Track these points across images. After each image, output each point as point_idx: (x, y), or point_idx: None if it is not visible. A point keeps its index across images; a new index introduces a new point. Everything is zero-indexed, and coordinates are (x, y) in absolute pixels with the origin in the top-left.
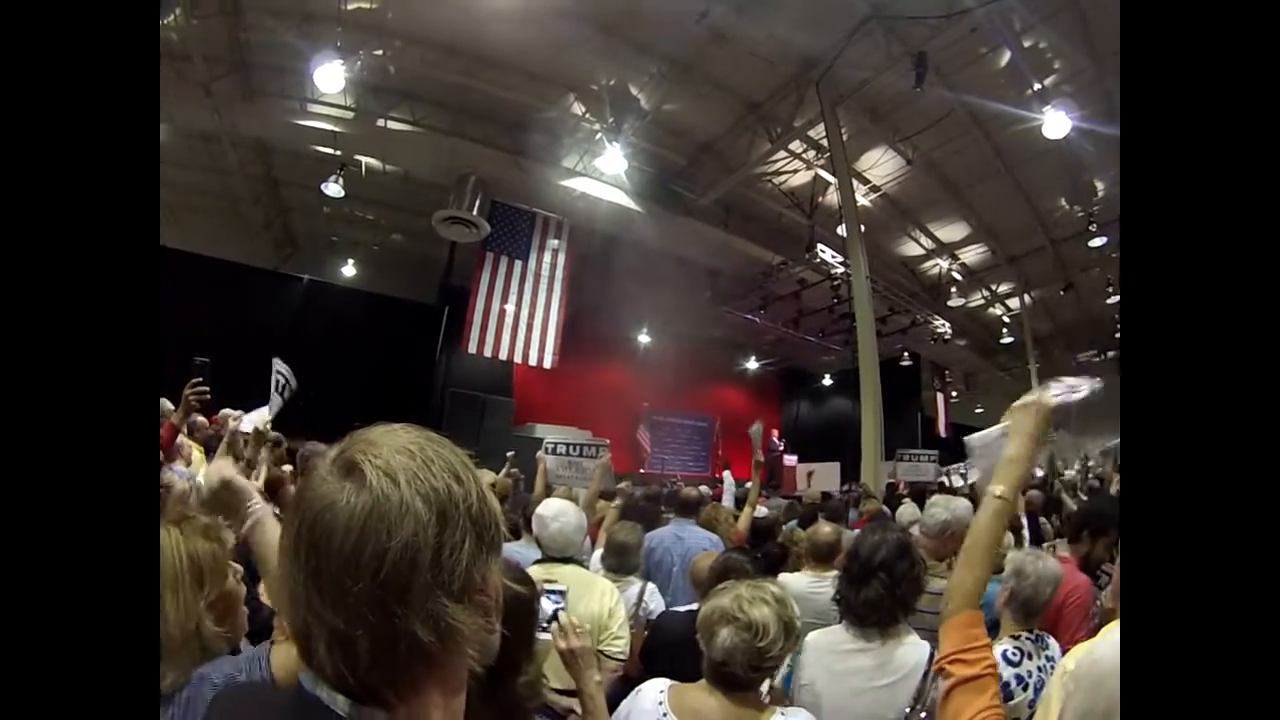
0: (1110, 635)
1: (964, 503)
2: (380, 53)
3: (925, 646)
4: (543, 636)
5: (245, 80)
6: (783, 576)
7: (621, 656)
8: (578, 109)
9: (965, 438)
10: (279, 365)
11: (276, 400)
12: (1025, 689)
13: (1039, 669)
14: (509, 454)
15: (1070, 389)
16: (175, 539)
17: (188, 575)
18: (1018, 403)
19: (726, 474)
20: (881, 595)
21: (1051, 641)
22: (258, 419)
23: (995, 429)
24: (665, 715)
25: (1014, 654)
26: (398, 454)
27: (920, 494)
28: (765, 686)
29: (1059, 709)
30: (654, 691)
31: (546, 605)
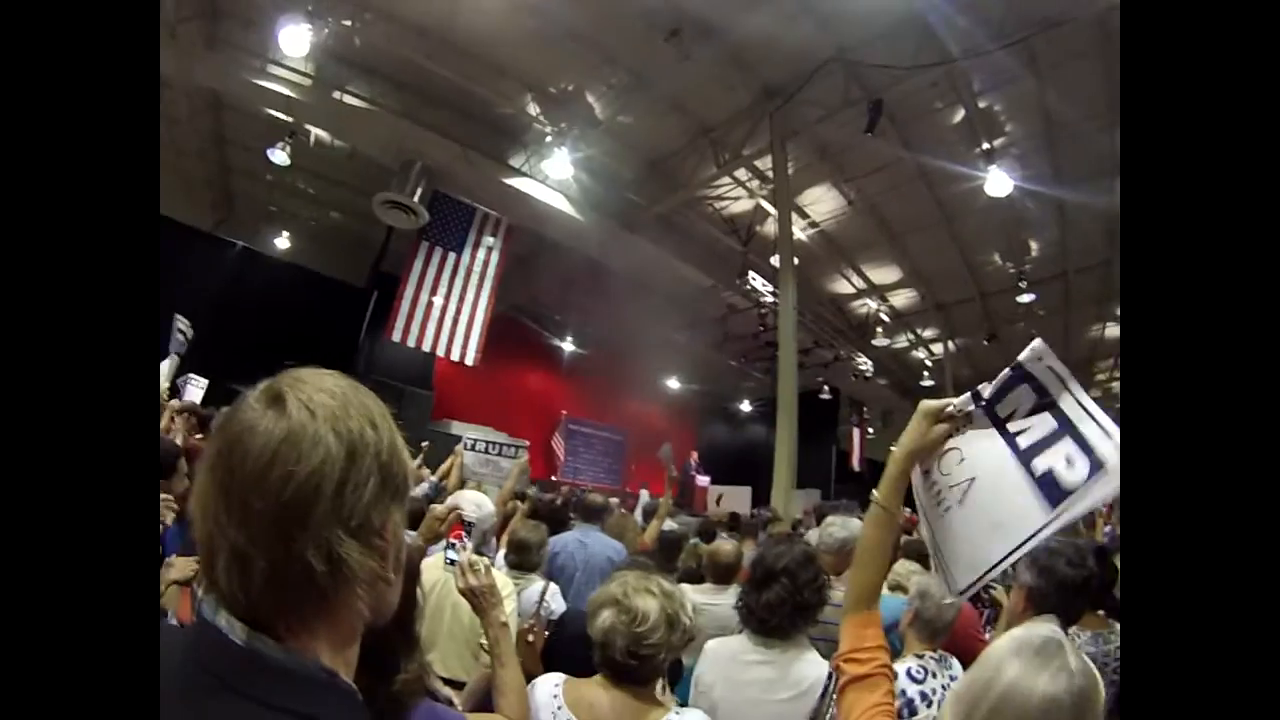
0: (1011, 633)
1: (858, 523)
2: (349, 23)
3: (824, 665)
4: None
5: (212, 29)
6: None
7: None
8: (533, 109)
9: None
10: (180, 322)
11: (174, 358)
12: (930, 705)
13: (943, 687)
14: (424, 444)
15: (969, 400)
16: None
17: None
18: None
19: (643, 491)
20: (783, 599)
21: (954, 661)
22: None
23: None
24: (560, 709)
25: (918, 671)
26: (321, 392)
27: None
28: (660, 685)
29: None
30: (549, 685)
31: (450, 554)
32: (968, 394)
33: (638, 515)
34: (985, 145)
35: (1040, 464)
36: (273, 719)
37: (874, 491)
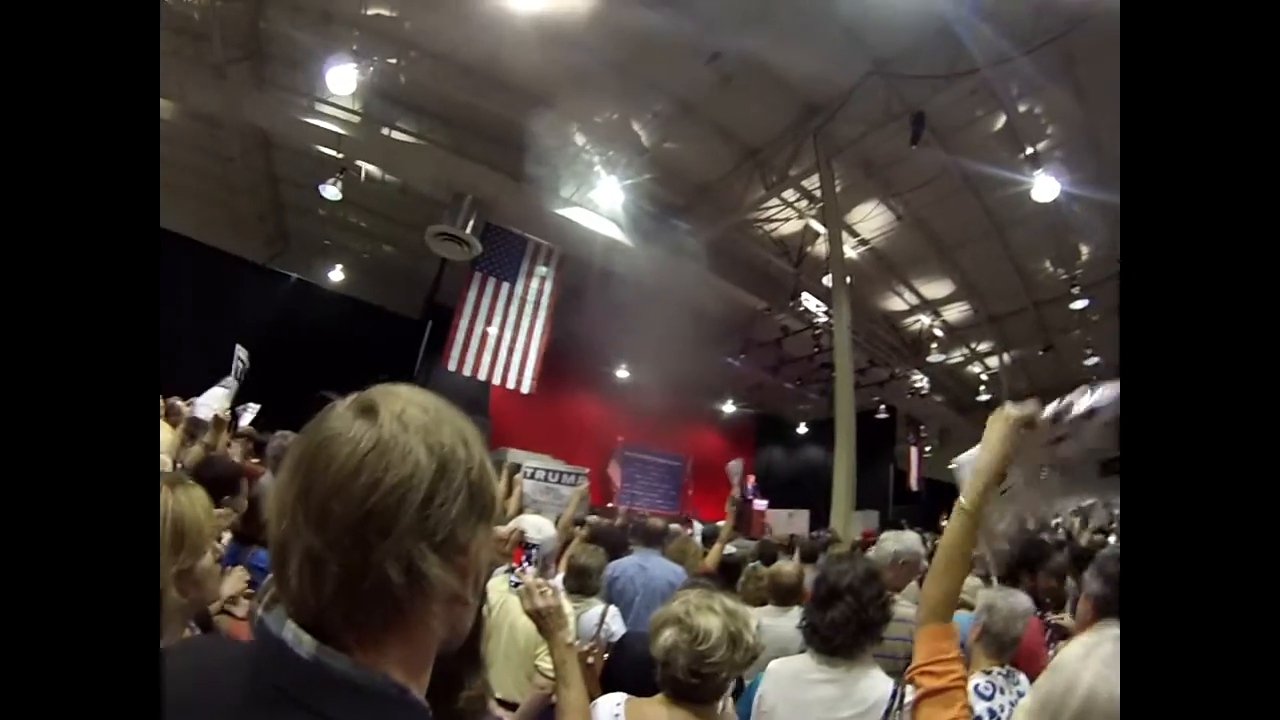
0: (1081, 639)
1: (912, 535)
2: (394, 61)
3: (889, 683)
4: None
5: (259, 69)
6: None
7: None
8: (579, 139)
9: (956, 458)
10: (240, 352)
11: (233, 383)
12: None
13: (1011, 703)
14: (504, 464)
15: (1066, 404)
16: (164, 496)
17: (168, 535)
18: (994, 414)
19: (696, 523)
20: (848, 617)
21: (1022, 677)
22: (214, 404)
23: (977, 447)
24: None
25: (986, 688)
26: (414, 406)
27: None
28: (720, 705)
29: None
30: (610, 705)
31: (514, 577)
32: (1056, 407)
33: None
34: (1029, 150)
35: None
36: None
37: (960, 499)
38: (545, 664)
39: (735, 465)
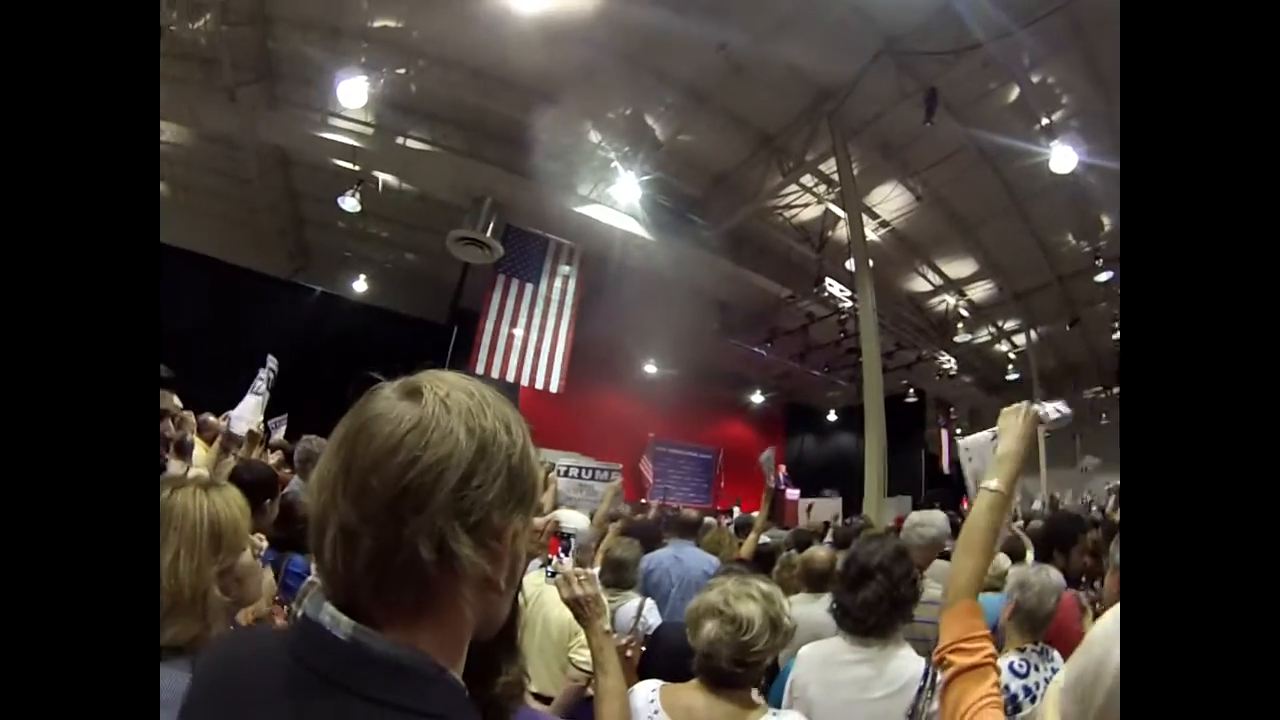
0: (1112, 610)
1: (940, 514)
2: (404, 71)
3: (921, 662)
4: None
5: (270, 89)
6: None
7: (587, 667)
8: (594, 136)
9: (959, 440)
10: (270, 361)
11: (264, 393)
12: (1033, 700)
13: (1045, 680)
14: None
15: (1057, 409)
16: (200, 499)
17: (205, 537)
18: (1007, 409)
19: (735, 509)
20: (880, 596)
21: (1055, 654)
22: (249, 416)
23: (986, 433)
24: (656, 713)
25: (1021, 666)
26: (458, 390)
27: None
28: (754, 693)
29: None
30: (646, 691)
31: (550, 567)
32: (1048, 407)
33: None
34: (1044, 120)
35: None
36: (376, 712)
37: (990, 481)
38: (579, 656)
39: (768, 456)
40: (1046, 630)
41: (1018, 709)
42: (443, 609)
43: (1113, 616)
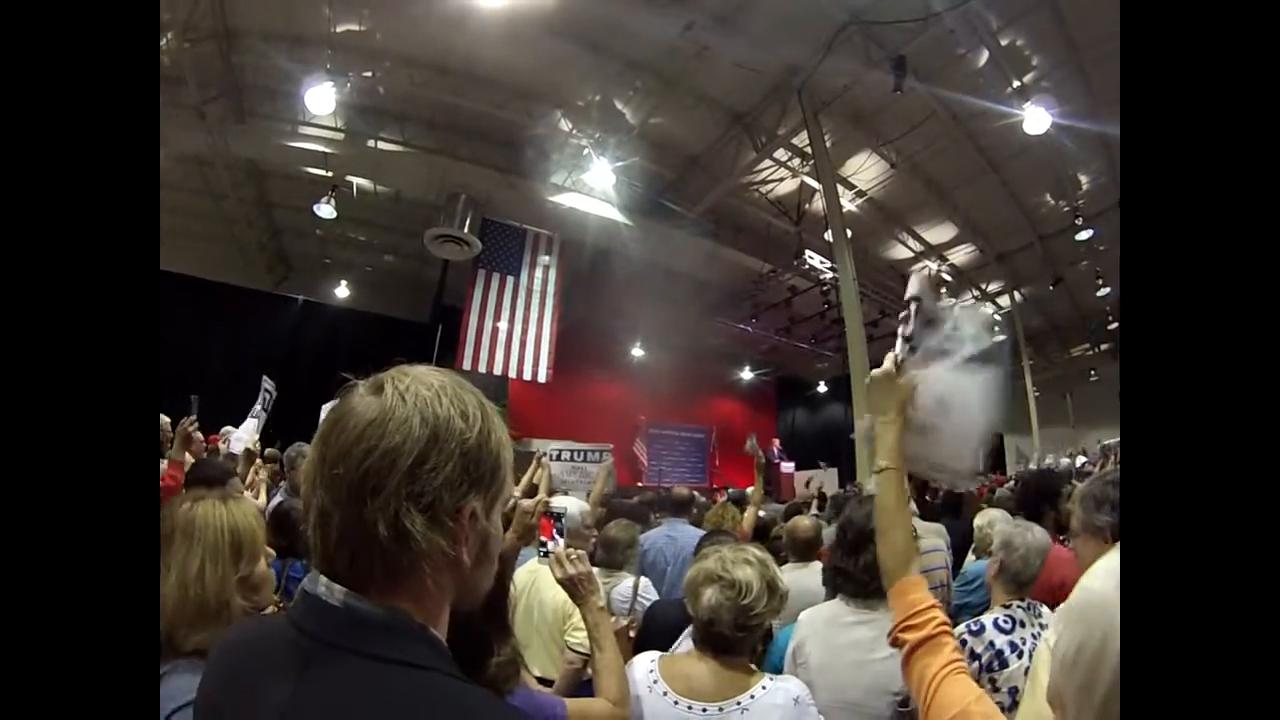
0: (1100, 565)
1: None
2: (370, 74)
3: None
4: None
5: (238, 103)
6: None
7: (582, 649)
8: (565, 125)
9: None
10: (267, 383)
11: (261, 415)
12: (1020, 656)
13: (1033, 636)
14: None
15: (905, 348)
16: (219, 511)
17: (227, 547)
18: (867, 381)
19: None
20: None
21: (1044, 609)
22: (246, 438)
23: (867, 419)
24: (656, 682)
25: (1005, 622)
26: (419, 384)
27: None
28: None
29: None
30: (645, 662)
31: (543, 548)
32: (900, 342)
33: None
34: (1016, 83)
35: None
36: (369, 666)
37: (878, 460)
38: (574, 638)
39: (752, 444)
40: (1033, 588)
41: (1004, 664)
42: (408, 581)
43: (1107, 574)
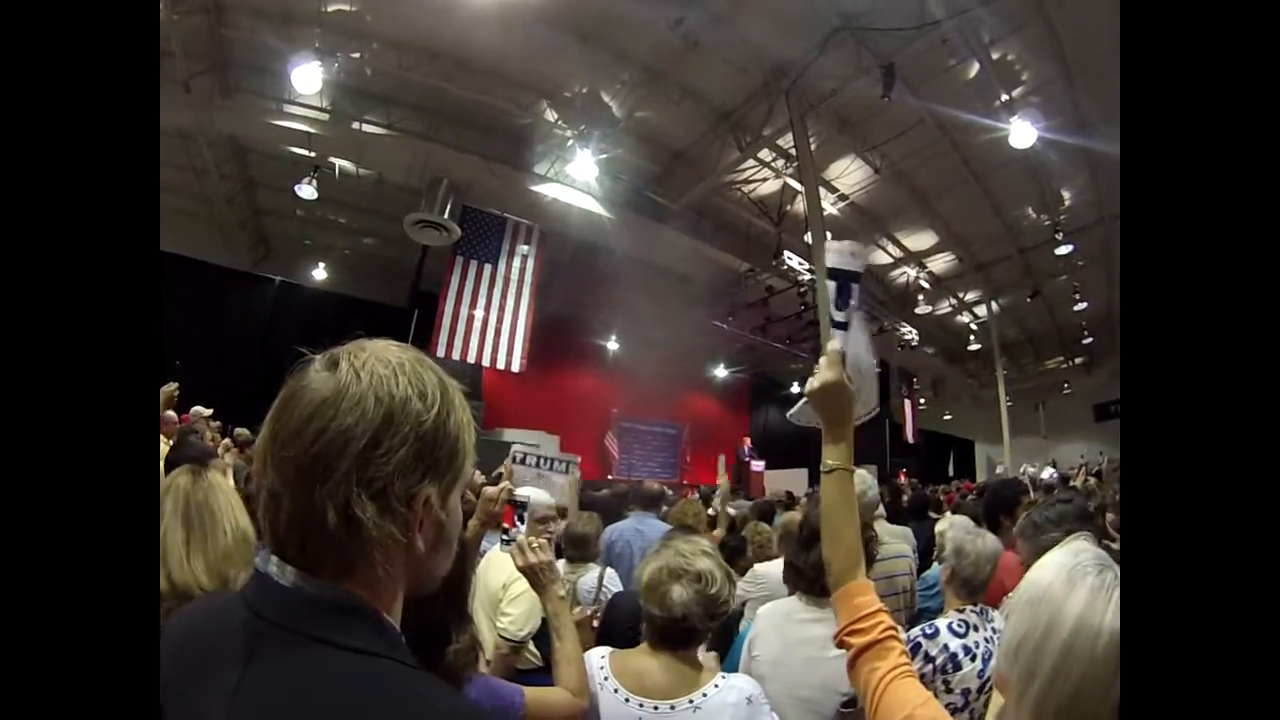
0: (1048, 559)
1: (863, 472)
2: (358, 55)
3: None
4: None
5: (224, 78)
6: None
7: (507, 635)
8: (550, 115)
9: (789, 414)
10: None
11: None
12: (973, 659)
13: (985, 640)
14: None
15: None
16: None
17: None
18: (808, 389)
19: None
20: None
21: (995, 614)
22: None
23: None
24: (607, 679)
25: (959, 626)
26: (376, 360)
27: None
28: (702, 651)
29: None
30: (595, 658)
31: (505, 536)
32: (834, 332)
33: None
34: (1004, 96)
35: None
36: (317, 650)
37: (826, 460)
38: (501, 622)
39: (720, 463)
40: (984, 594)
41: (958, 667)
42: (360, 567)
43: (1053, 564)
